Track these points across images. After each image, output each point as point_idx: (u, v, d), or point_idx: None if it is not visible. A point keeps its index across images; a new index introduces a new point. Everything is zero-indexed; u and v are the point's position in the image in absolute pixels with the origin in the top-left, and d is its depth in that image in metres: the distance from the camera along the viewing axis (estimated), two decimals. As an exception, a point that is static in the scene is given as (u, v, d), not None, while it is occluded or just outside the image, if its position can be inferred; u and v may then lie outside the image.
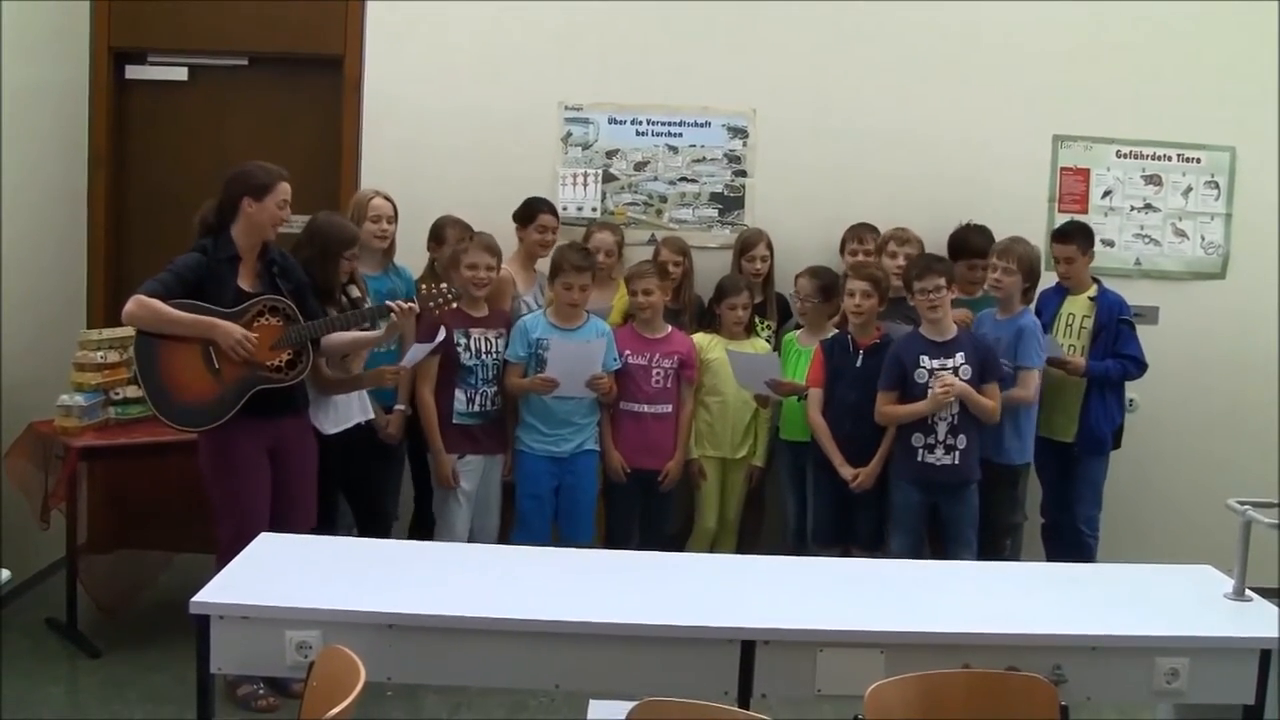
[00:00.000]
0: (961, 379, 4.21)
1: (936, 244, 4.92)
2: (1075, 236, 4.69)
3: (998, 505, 4.44)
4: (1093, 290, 4.69)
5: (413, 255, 4.72)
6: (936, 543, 4.42)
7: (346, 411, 4.20)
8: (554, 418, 4.42)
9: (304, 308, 3.83)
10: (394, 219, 4.55)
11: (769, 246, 4.95)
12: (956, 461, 4.25)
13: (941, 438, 4.24)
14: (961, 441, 4.24)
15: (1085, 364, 4.56)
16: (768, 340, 4.81)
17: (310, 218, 4.23)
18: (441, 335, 4.19)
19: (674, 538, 4.73)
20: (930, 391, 4.20)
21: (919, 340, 4.33)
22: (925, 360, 4.26)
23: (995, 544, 4.46)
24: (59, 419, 4.40)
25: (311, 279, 3.97)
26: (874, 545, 4.47)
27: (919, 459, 4.27)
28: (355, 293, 4.20)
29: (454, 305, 4.04)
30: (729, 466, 4.73)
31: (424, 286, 4.05)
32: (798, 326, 4.83)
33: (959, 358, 4.25)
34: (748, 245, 4.94)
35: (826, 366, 4.47)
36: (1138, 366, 4.63)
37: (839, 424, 4.45)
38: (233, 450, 3.75)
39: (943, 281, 4.23)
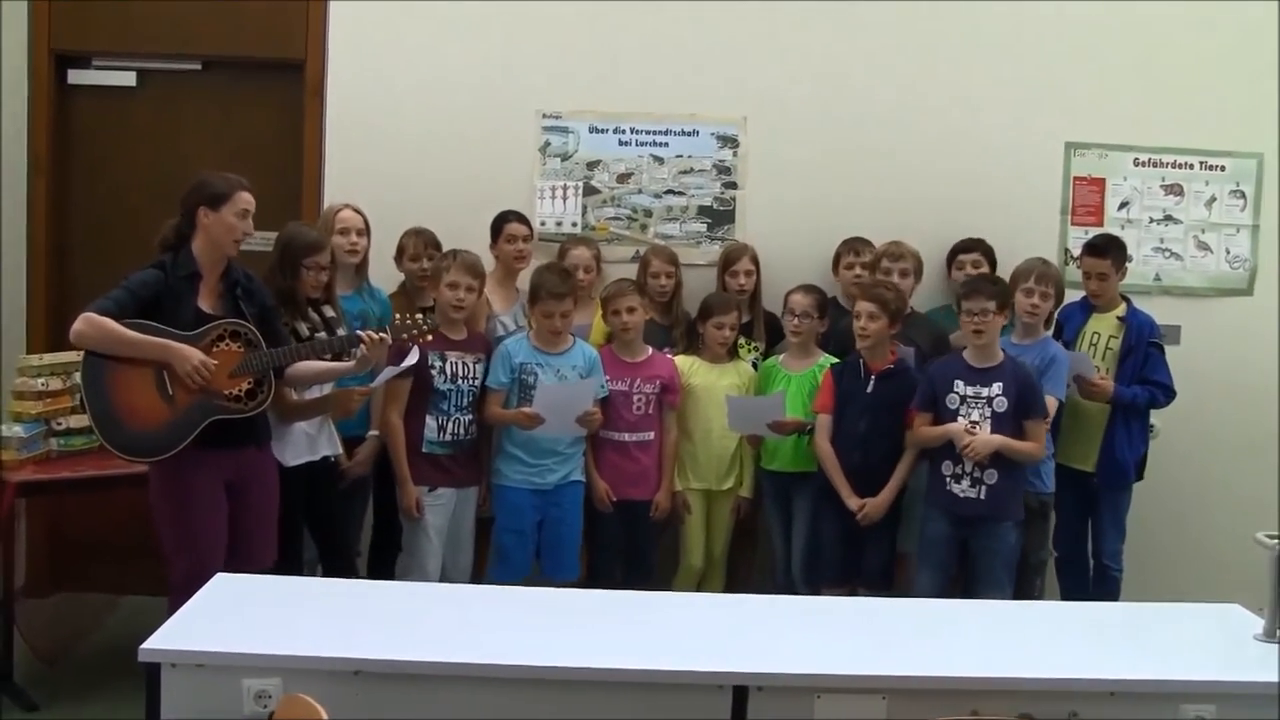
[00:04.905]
0: (995, 410, 4.19)
1: (938, 260, 5.01)
2: (1110, 251, 4.71)
3: (1028, 540, 4.41)
4: (1122, 309, 4.72)
5: (380, 272, 4.75)
6: (966, 583, 4.37)
7: (311, 443, 4.22)
8: (538, 447, 4.44)
9: (269, 333, 3.85)
10: (365, 232, 4.60)
11: (754, 261, 4.96)
12: (983, 497, 4.21)
13: (968, 469, 4.22)
14: (990, 477, 4.20)
15: (1114, 389, 4.58)
16: (753, 364, 4.82)
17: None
18: (414, 357, 4.22)
19: (659, 576, 4.74)
20: (958, 418, 4.22)
21: (957, 363, 4.33)
22: (960, 385, 4.26)
23: (1025, 584, 4.45)
24: (-5, 451, 4.41)
25: (277, 290, 4.01)
26: (883, 585, 4.47)
27: (946, 487, 4.28)
28: (330, 312, 4.23)
29: (428, 338, 4.09)
30: (714, 499, 4.75)
31: (398, 316, 4.09)
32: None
33: (996, 387, 4.22)
34: (730, 260, 4.95)
35: (836, 392, 4.48)
36: (1166, 394, 4.66)
37: (847, 454, 4.44)
38: (187, 483, 3.74)
39: (992, 305, 4.21)
